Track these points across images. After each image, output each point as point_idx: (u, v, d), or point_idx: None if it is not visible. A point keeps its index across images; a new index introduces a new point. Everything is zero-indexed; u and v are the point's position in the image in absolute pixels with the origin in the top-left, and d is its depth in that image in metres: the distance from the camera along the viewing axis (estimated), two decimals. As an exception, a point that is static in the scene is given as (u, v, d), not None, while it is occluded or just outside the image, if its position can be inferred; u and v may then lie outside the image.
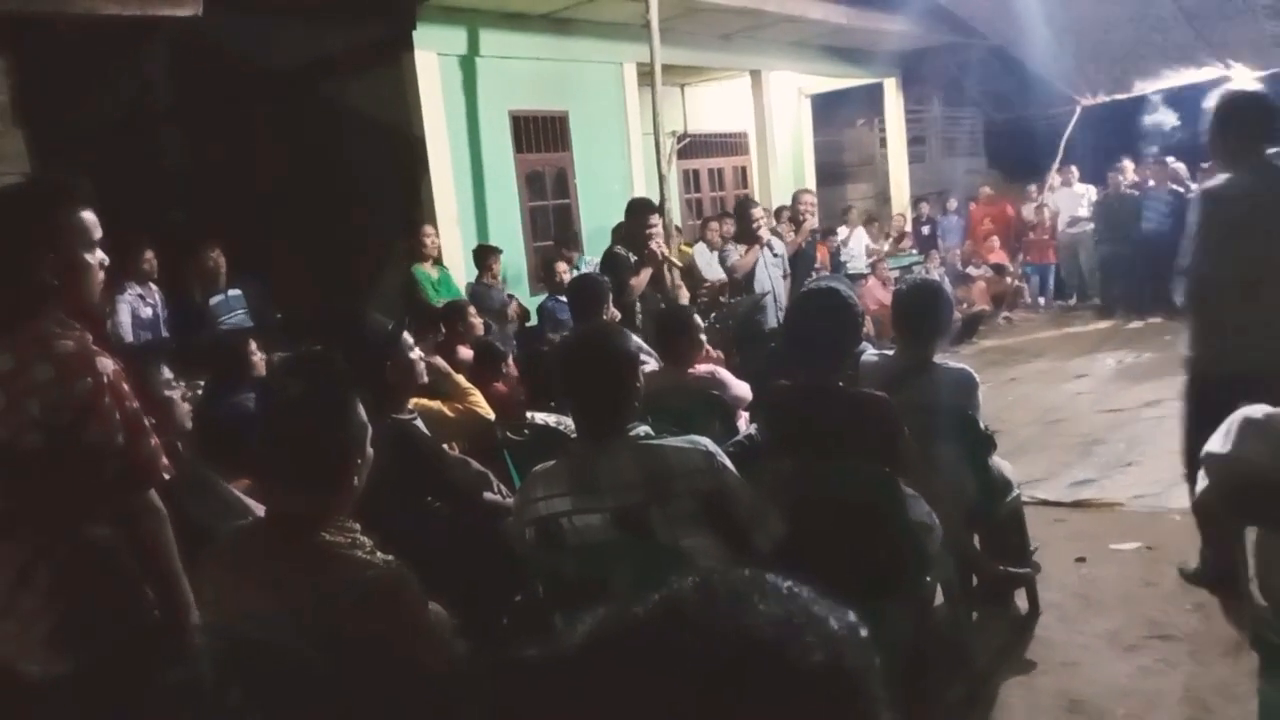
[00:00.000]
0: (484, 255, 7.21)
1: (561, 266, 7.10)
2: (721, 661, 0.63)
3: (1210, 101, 3.45)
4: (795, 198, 7.77)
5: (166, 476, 2.09)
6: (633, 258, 5.90)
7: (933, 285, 3.60)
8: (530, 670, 0.70)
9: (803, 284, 5.69)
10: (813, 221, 7.52)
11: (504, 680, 0.74)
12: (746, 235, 6.48)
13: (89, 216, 2.10)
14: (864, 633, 0.68)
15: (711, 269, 7.73)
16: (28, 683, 2.00)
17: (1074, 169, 11.42)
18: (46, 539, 2.01)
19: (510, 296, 7.45)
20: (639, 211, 6.08)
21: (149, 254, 6.25)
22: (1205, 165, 9.98)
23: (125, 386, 2.04)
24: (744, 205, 7.01)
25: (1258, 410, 2.02)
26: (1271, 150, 3.36)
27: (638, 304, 5.76)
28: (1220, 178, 3.39)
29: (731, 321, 6.35)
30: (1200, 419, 3.38)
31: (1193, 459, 4.00)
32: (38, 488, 1.98)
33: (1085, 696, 3.10)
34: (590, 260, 7.49)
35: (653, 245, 5.88)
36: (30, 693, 2.00)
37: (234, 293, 6.32)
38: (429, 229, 6.88)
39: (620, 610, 0.69)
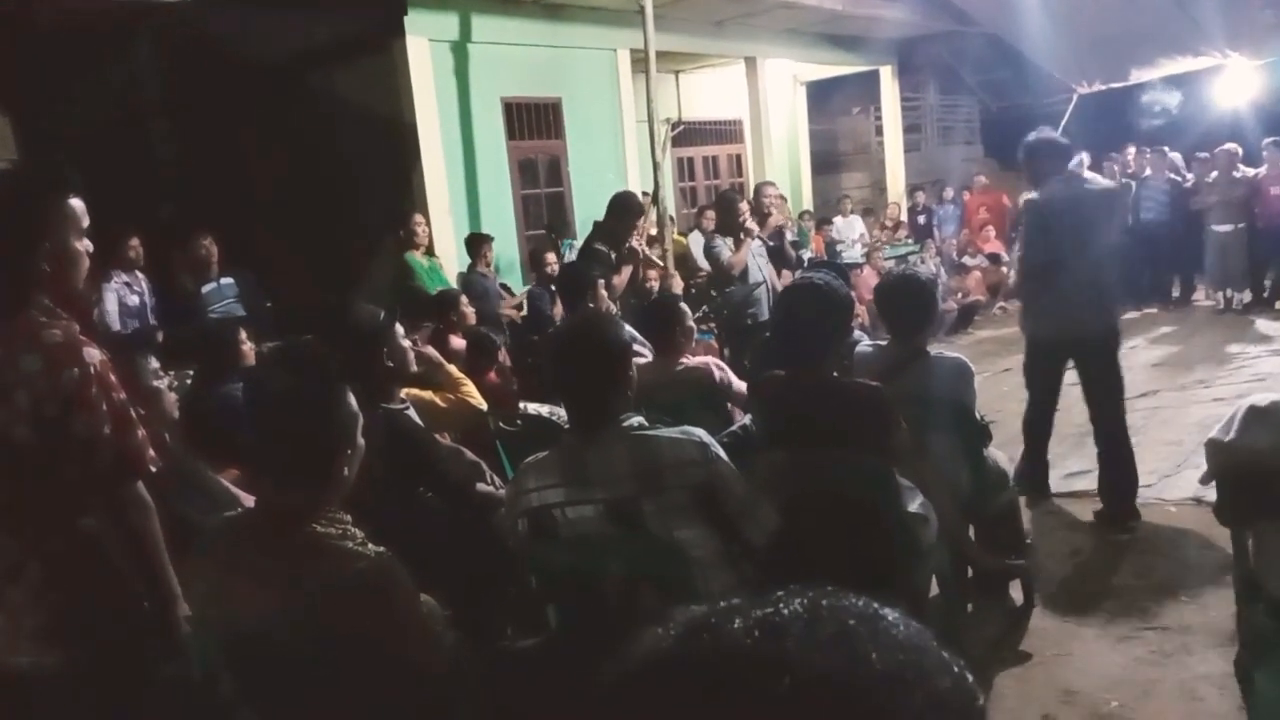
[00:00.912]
0: (477, 244, 7.17)
1: (550, 257, 7.05)
2: (820, 713, 0.56)
3: (1024, 141, 4.56)
4: (758, 190, 7.49)
5: (154, 469, 2.07)
6: (613, 255, 5.85)
7: (914, 278, 3.58)
8: (607, 681, 0.61)
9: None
10: (779, 216, 7.35)
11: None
12: (729, 228, 6.42)
13: (78, 204, 2.08)
14: (973, 686, 0.63)
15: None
16: (17, 676, 1.98)
17: (1085, 155, 11.36)
18: (35, 532, 1.99)
19: (504, 286, 7.43)
20: (625, 213, 5.95)
21: (134, 242, 6.21)
22: (1202, 155, 10.02)
23: (112, 377, 2.01)
24: (726, 198, 6.90)
25: (1262, 399, 2.02)
26: (1075, 163, 4.63)
27: (615, 304, 5.70)
28: (1036, 193, 4.45)
29: (725, 311, 6.32)
30: (1032, 380, 4.80)
31: (1030, 423, 4.84)
32: (26, 480, 1.95)
33: (1079, 687, 3.10)
34: (574, 244, 7.38)
35: (633, 242, 5.82)
36: (20, 686, 1.99)
37: (226, 281, 6.29)
38: (419, 218, 6.85)
39: (710, 622, 0.60)
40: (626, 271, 5.81)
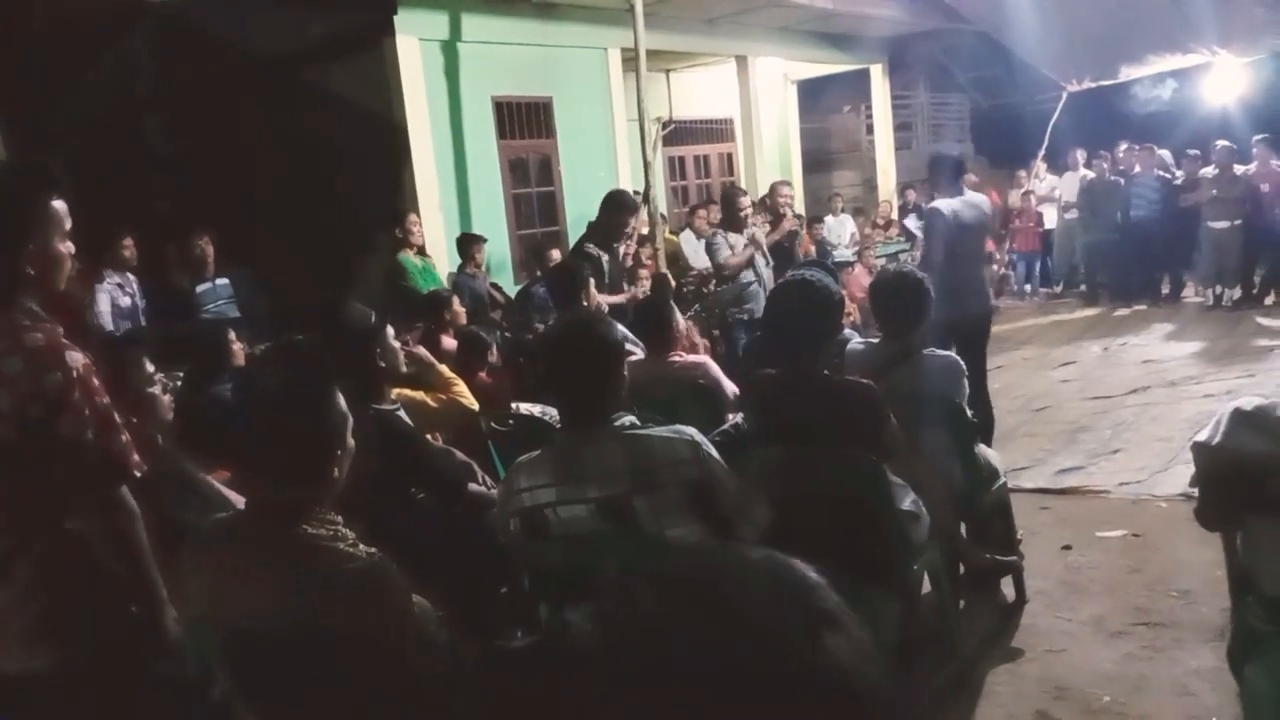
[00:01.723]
0: (468, 244, 7.15)
1: (555, 254, 7.03)
2: (798, 688, 0.62)
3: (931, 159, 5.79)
4: (773, 189, 7.63)
5: (138, 473, 2.05)
6: (604, 255, 5.85)
7: (909, 276, 3.60)
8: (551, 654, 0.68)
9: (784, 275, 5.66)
10: (792, 217, 7.42)
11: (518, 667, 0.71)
12: (733, 223, 6.43)
13: (61, 206, 2.07)
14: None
15: (698, 257, 7.68)
16: (7, 678, 1.97)
17: (1081, 153, 11.38)
18: (20, 533, 1.98)
19: (495, 286, 7.41)
20: (617, 210, 5.98)
21: (127, 242, 6.18)
22: (1193, 152, 10.06)
23: (96, 381, 2.00)
24: (731, 194, 6.94)
25: (1247, 402, 2.04)
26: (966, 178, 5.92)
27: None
28: (939, 200, 5.45)
29: (718, 310, 6.32)
30: None
31: None
32: (8, 482, 1.94)
33: (1071, 683, 3.11)
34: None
35: (623, 246, 5.89)
36: (10, 688, 1.98)
37: (221, 281, 6.27)
38: (414, 217, 6.81)
39: (670, 600, 0.66)
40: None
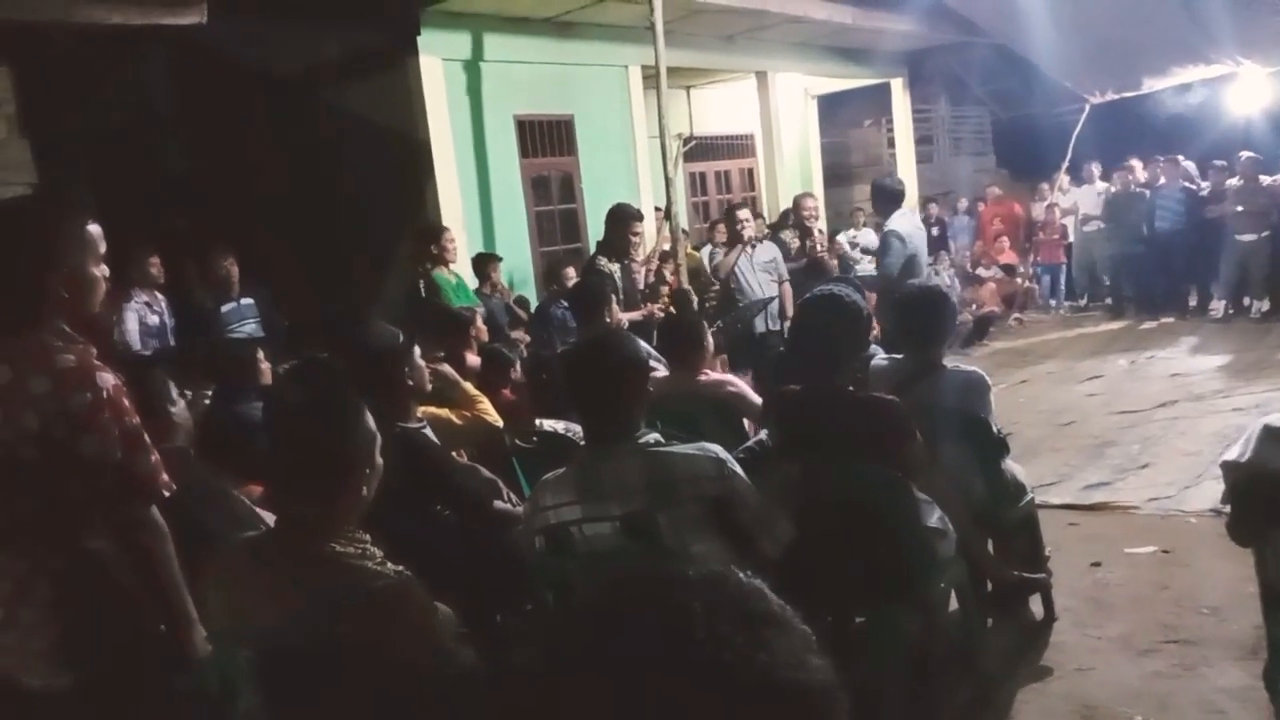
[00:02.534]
0: (484, 264, 7.18)
1: (569, 271, 7.07)
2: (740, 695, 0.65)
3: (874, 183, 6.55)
4: (797, 202, 7.64)
5: (167, 493, 2.08)
6: (614, 268, 5.90)
7: (933, 291, 3.59)
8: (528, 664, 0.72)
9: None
10: (819, 231, 7.49)
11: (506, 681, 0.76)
12: (735, 239, 6.54)
13: (95, 230, 2.11)
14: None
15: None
16: (28, 696, 1.99)
17: (1096, 166, 11.34)
18: (44, 552, 2.00)
19: (519, 301, 7.45)
20: (620, 220, 6.05)
21: (155, 260, 6.25)
22: (1219, 163, 9.97)
23: (126, 402, 2.03)
24: (729, 211, 7.07)
25: (1276, 419, 2.03)
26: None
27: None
28: (895, 223, 6.17)
29: (740, 325, 6.34)
30: None
31: None
32: (34, 500, 1.97)
33: (1099, 702, 3.08)
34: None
35: (639, 257, 5.94)
36: (31, 706, 2.00)
37: (246, 301, 6.33)
38: (450, 234, 6.82)
39: (613, 611, 0.71)
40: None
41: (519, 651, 0.75)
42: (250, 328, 6.16)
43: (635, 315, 6.05)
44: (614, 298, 5.09)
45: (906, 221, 6.31)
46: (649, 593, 0.71)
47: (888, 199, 6.30)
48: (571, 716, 0.67)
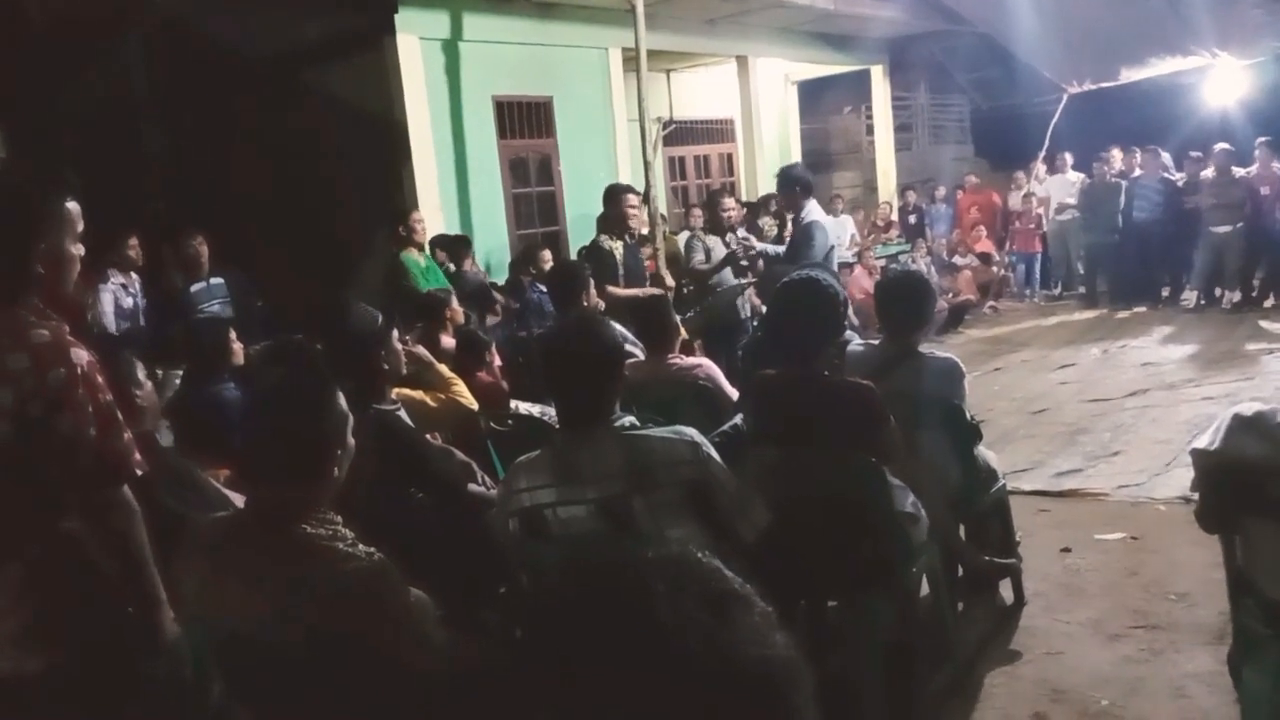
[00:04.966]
0: (454, 246, 7.12)
1: (545, 254, 7.03)
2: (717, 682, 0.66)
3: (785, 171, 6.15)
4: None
5: (139, 472, 2.05)
6: (617, 246, 5.83)
7: (915, 277, 3.61)
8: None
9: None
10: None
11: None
12: (716, 226, 6.49)
13: (74, 207, 2.08)
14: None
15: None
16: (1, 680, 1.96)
17: (1068, 156, 11.41)
18: (17, 533, 1.98)
19: (494, 285, 7.41)
20: (614, 197, 6.01)
21: (133, 242, 6.17)
22: (1195, 154, 10.06)
23: (99, 379, 2.00)
24: (714, 196, 7.02)
25: (1247, 408, 2.05)
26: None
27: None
28: (815, 214, 5.88)
29: (717, 310, 6.33)
30: None
31: None
32: (7, 479, 1.94)
33: (1068, 686, 3.11)
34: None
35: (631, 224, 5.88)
36: (3, 690, 1.97)
37: (215, 281, 6.25)
38: (418, 215, 6.79)
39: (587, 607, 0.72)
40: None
41: (489, 637, 0.75)
42: (217, 308, 6.09)
43: (635, 292, 5.90)
44: (592, 282, 5.03)
45: (821, 212, 6.09)
46: (611, 575, 0.72)
47: (802, 188, 5.89)
48: (539, 700, 0.67)
